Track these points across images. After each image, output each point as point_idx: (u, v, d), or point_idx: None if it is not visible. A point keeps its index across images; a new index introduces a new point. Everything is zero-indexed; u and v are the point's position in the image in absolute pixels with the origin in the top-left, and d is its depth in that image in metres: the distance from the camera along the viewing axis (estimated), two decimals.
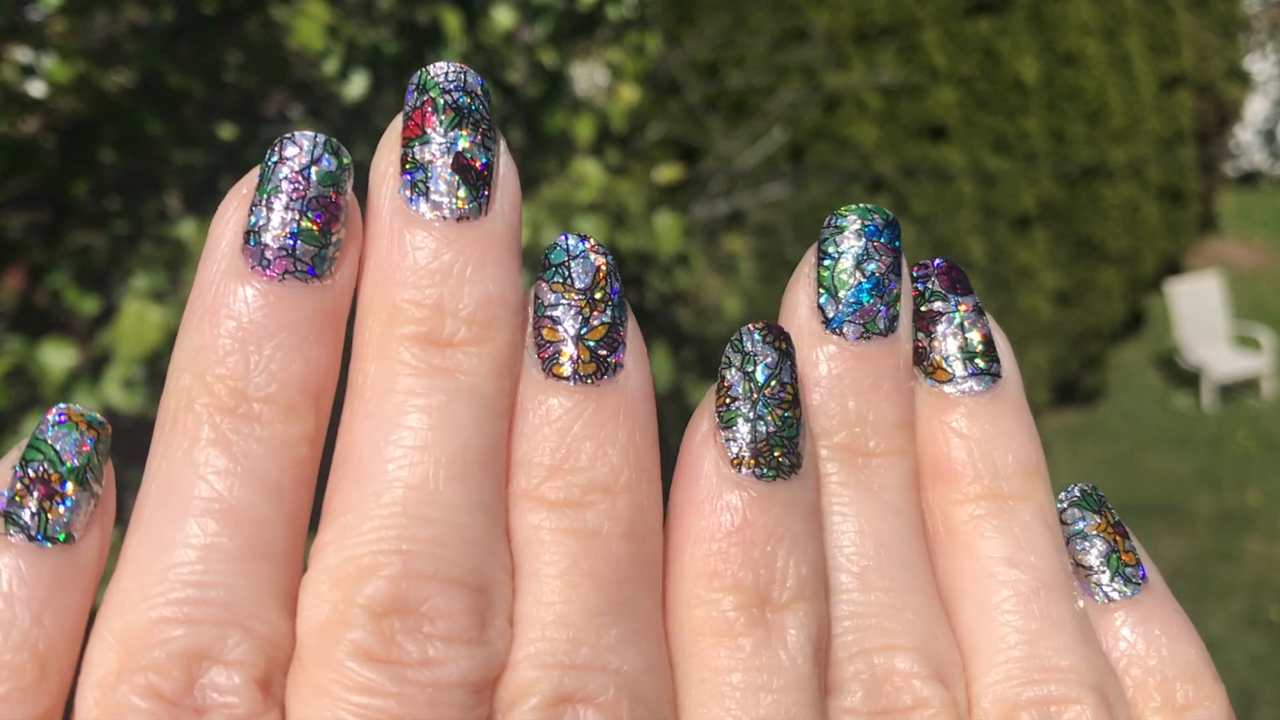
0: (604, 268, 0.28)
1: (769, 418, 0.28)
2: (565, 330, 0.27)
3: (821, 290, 0.29)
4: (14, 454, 0.26)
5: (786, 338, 0.29)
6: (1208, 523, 4.54)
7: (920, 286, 0.31)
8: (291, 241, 0.26)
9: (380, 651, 0.24)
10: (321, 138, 0.27)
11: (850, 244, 0.29)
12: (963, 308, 0.31)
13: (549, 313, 0.27)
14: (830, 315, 0.29)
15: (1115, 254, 5.89)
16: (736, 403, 0.28)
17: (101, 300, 1.30)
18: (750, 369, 0.28)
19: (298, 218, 0.26)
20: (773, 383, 0.28)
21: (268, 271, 0.26)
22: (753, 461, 0.27)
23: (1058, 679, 0.28)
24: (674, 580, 0.28)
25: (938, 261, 0.31)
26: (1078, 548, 0.31)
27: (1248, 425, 5.55)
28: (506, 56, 1.87)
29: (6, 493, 0.25)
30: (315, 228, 0.26)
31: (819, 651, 0.28)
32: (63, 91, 1.35)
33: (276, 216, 0.26)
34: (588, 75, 2.63)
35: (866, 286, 0.29)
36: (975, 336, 0.31)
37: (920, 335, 0.31)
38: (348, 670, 0.24)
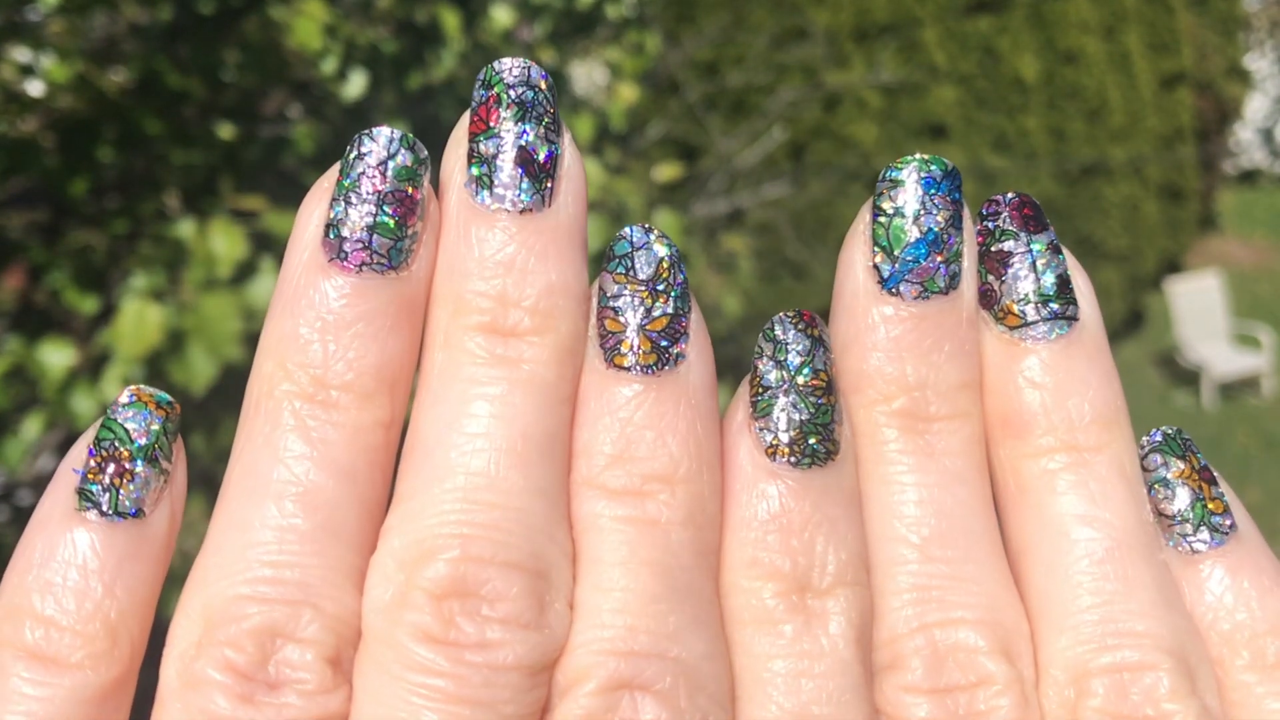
0: (667, 259, 0.28)
1: (802, 405, 0.28)
2: (627, 320, 0.27)
3: (877, 249, 0.28)
4: (89, 433, 0.27)
5: (818, 323, 0.29)
6: None
7: (990, 225, 0.29)
8: (368, 235, 0.27)
9: (439, 632, 0.25)
10: (398, 133, 0.27)
11: (906, 198, 0.28)
12: (1036, 246, 0.29)
13: (612, 303, 0.28)
14: (886, 275, 0.28)
15: (1115, 252, 5.89)
16: (769, 391, 0.28)
17: (101, 299, 1.30)
18: (782, 357, 0.28)
19: (374, 211, 0.27)
20: (805, 370, 0.28)
21: (346, 263, 0.26)
22: (787, 450, 0.27)
23: (1132, 644, 0.27)
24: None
25: (1010, 196, 0.29)
26: (1160, 496, 0.30)
27: (1248, 424, 5.55)
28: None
29: (81, 470, 0.27)
30: (391, 221, 0.27)
31: (862, 635, 0.27)
32: (61, 91, 1.35)
33: (354, 210, 0.27)
34: (587, 74, 2.63)
35: (924, 243, 0.28)
36: (1049, 277, 0.29)
37: (990, 278, 0.29)
38: (408, 650, 0.25)
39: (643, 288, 0.28)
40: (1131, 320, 6.56)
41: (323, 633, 0.25)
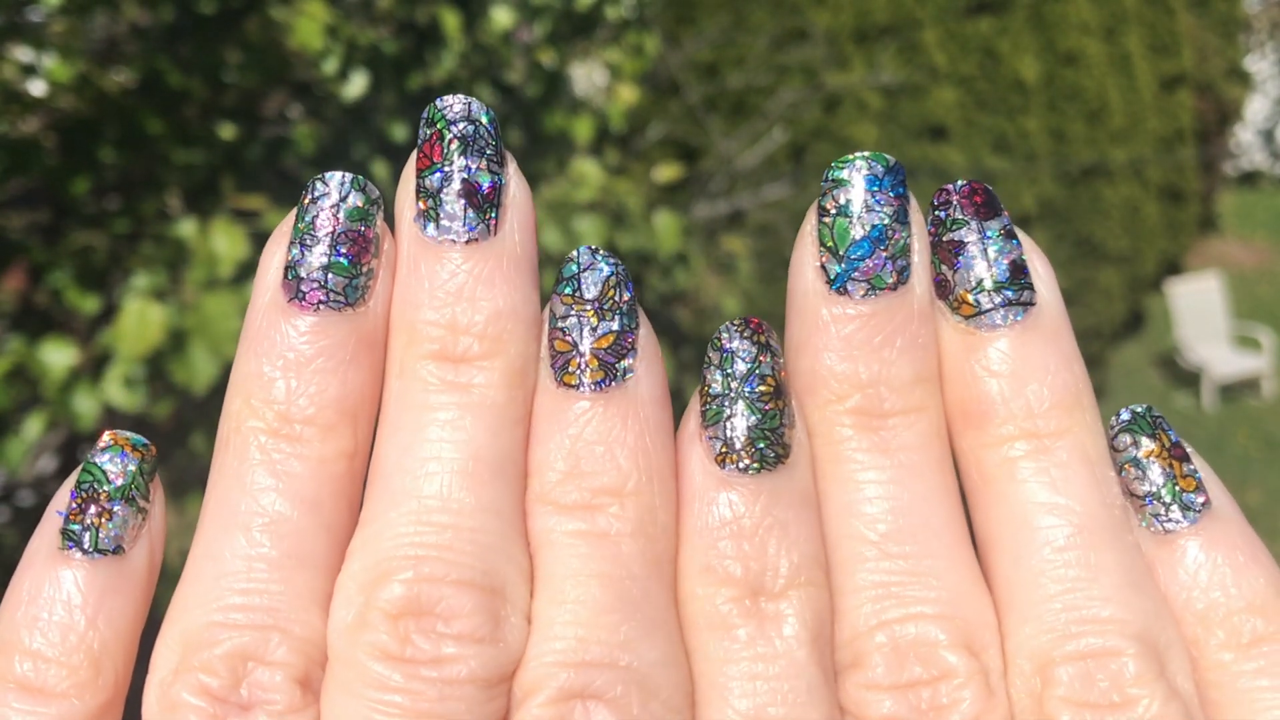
0: (613, 278, 0.29)
1: (749, 412, 0.28)
2: (575, 339, 0.28)
3: (823, 249, 0.29)
4: (71, 478, 0.29)
5: (765, 329, 0.29)
6: None
7: (941, 215, 0.29)
8: (324, 274, 0.28)
9: (396, 650, 0.26)
10: (349, 177, 0.29)
11: (848, 197, 0.28)
12: (989, 233, 0.29)
13: (560, 324, 0.29)
14: (833, 275, 0.28)
15: (1115, 254, 5.89)
16: (717, 400, 0.29)
17: (102, 299, 1.30)
18: (729, 366, 0.29)
19: (328, 252, 0.28)
20: (752, 377, 0.28)
21: (304, 303, 0.28)
22: (736, 456, 0.28)
23: (1096, 630, 0.27)
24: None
25: (960, 184, 0.29)
26: (1131, 476, 0.29)
27: (1248, 425, 5.55)
28: (505, 56, 1.87)
29: (63, 512, 0.28)
30: (345, 260, 0.28)
31: (819, 636, 0.28)
32: (63, 91, 1.35)
33: (310, 252, 0.28)
34: (586, 75, 2.63)
35: (869, 240, 0.28)
36: (1002, 264, 0.29)
37: (944, 268, 0.29)
38: (367, 668, 0.26)
39: (588, 307, 0.29)
40: (1132, 321, 6.56)
41: (291, 655, 0.27)
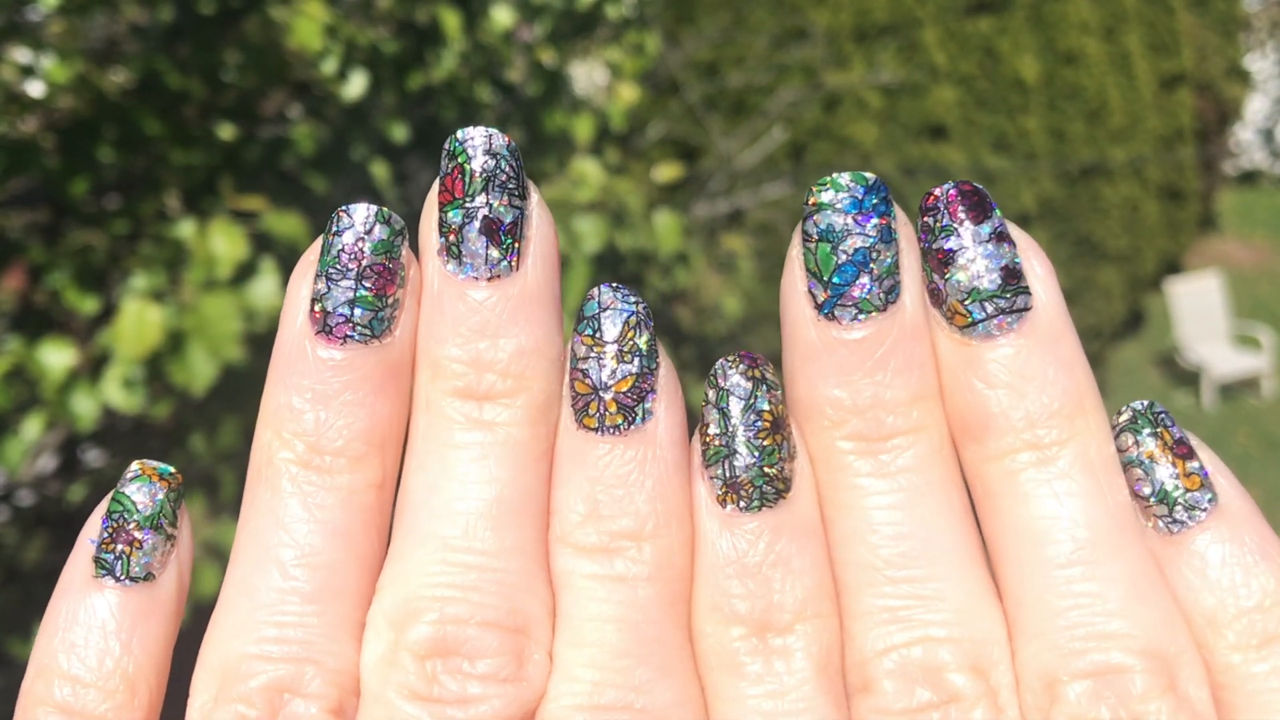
0: (633, 318, 0.29)
1: (748, 450, 0.28)
2: (594, 381, 0.29)
3: (809, 275, 0.28)
4: (102, 505, 0.30)
5: (760, 363, 0.29)
6: None
7: (930, 222, 0.29)
8: (349, 309, 0.28)
9: (423, 690, 0.27)
10: (374, 209, 0.29)
11: (830, 222, 0.28)
12: (980, 238, 0.28)
13: (580, 365, 0.29)
14: (820, 301, 0.28)
15: (1115, 253, 5.89)
16: (716, 439, 0.29)
17: (101, 300, 1.30)
18: (725, 404, 0.29)
19: (354, 286, 0.28)
20: (749, 415, 0.29)
21: (331, 336, 0.28)
22: (735, 496, 0.28)
23: (1103, 647, 0.27)
24: None
25: (950, 189, 0.28)
26: (1134, 477, 0.29)
27: (1248, 424, 5.55)
28: (506, 56, 1.87)
29: (95, 540, 0.29)
30: (370, 294, 0.28)
31: (829, 664, 0.28)
32: (62, 91, 1.35)
33: (336, 286, 0.28)
34: (587, 74, 2.63)
35: (853, 265, 0.28)
36: (994, 271, 0.28)
37: (935, 277, 0.28)
38: (396, 707, 0.27)
39: (608, 349, 0.29)
40: (1131, 321, 6.55)
41: (325, 686, 0.28)
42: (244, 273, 1.23)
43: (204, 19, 1.47)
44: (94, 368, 1.23)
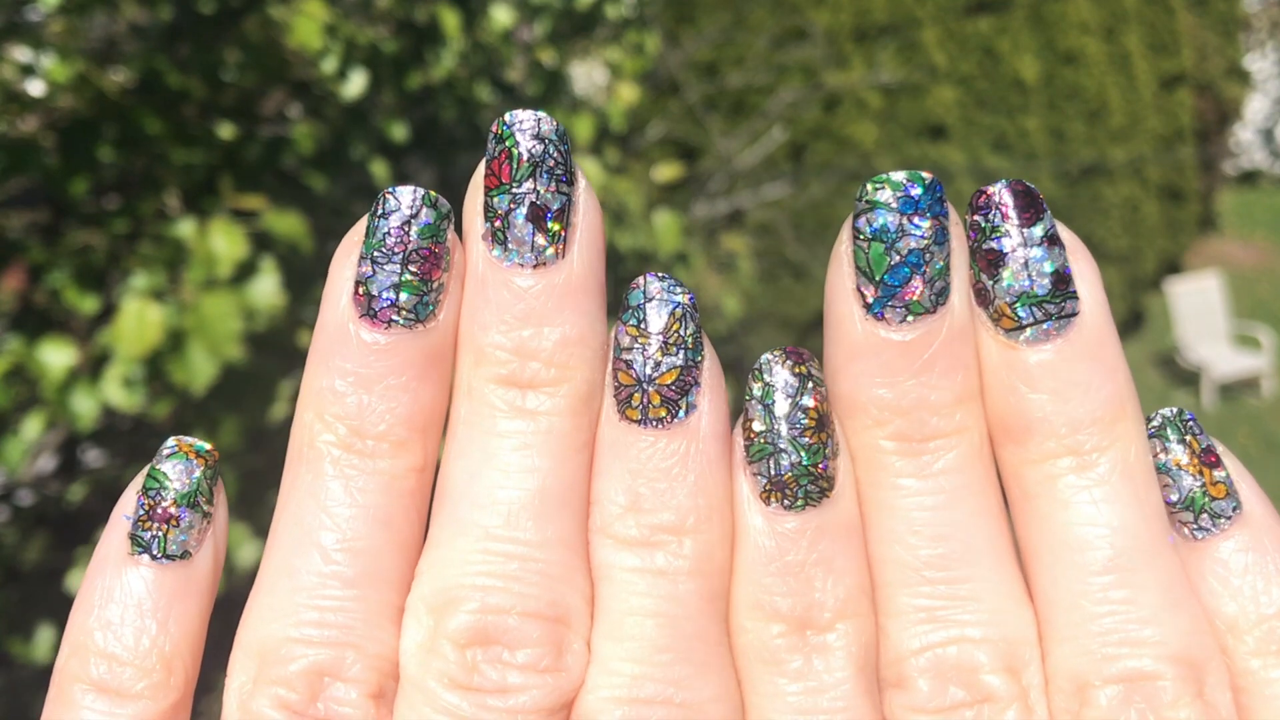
0: (679, 310, 0.28)
1: (793, 449, 0.28)
2: (638, 373, 0.28)
3: (859, 273, 0.28)
4: (137, 481, 0.30)
5: (805, 359, 0.29)
6: None
7: (980, 220, 0.28)
8: (394, 293, 0.28)
9: (463, 679, 0.27)
10: (420, 192, 0.28)
11: (884, 221, 0.27)
12: (1031, 241, 0.28)
13: (624, 356, 0.29)
14: (870, 300, 0.28)
15: (1115, 253, 5.89)
16: (760, 436, 0.28)
17: (101, 299, 1.30)
18: (770, 400, 0.28)
19: (399, 270, 0.28)
20: (795, 412, 0.28)
21: (375, 320, 0.28)
22: (780, 494, 0.28)
23: (1134, 653, 0.27)
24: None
25: (1003, 188, 0.28)
26: (1162, 483, 0.29)
27: (1248, 424, 5.55)
28: (505, 55, 1.87)
29: (132, 517, 0.29)
30: (416, 279, 0.28)
31: (866, 662, 0.28)
32: (62, 91, 1.35)
33: (381, 270, 0.28)
34: (587, 74, 2.63)
35: (905, 266, 0.27)
36: (1045, 275, 0.27)
37: (983, 277, 0.28)
38: (436, 695, 0.27)
39: (653, 341, 0.28)
40: (1131, 321, 6.56)
41: (366, 671, 0.28)
42: (244, 272, 1.23)
43: (204, 18, 1.47)
44: (94, 367, 1.23)
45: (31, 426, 1.25)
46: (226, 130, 1.43)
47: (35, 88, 1.40)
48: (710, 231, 3.42)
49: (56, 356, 1.19)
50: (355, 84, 1.50)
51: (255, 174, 1.44)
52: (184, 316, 1.18)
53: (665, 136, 4.18)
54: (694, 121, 4.27)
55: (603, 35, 2.19)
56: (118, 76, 1.44)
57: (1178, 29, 6.00)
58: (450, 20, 1.64)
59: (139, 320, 1.15)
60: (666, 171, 2.60)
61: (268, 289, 1.23)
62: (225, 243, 1.20)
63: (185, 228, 1.23)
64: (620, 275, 1.80)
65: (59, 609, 1.42)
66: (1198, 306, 5.93)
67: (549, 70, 1.92)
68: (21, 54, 1.39)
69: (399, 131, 1.63)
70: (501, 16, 1.80)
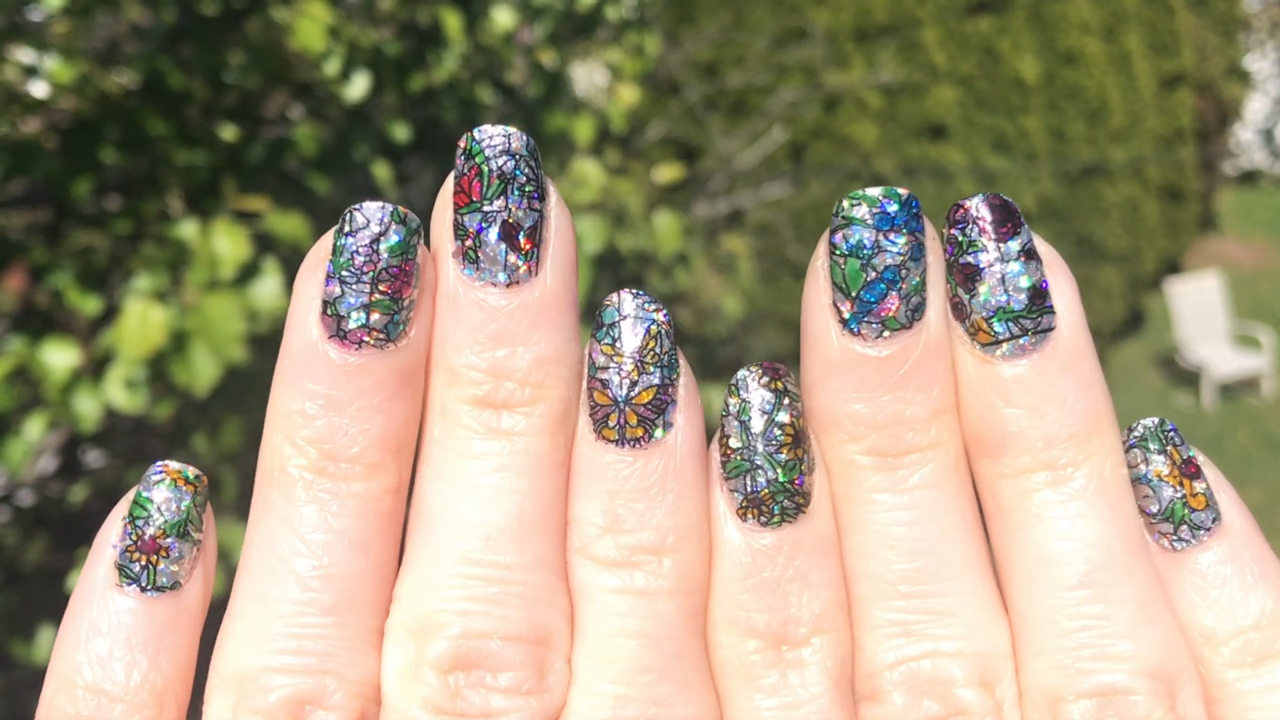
0: (654, 328, 0.28)
1: (768, 465, 0.28)
2: (614, 393, 0.28)
3: (835, 288, 0.28)
4: (122, 507, 0.29)
5: (782, 374, 0.29)
6: None
7: (957, 234, 0.28)
8: (365, 314, 0.27)
9: (447, 704, 0.27)
10: (388, 208, 0.28)
11: (860, 237, 0.27)
12: (1008, 255, 0.27)
13: (599, 375, 0.28)
14: (846, 316, 0.28)
15: (1115, 253, 5.89)
16: (736, 453, 0.28)
17: (103, 300, 1.30)
18: (746, 417, 0.28)
19: (369, 290, 0.27)
20: (770, 429, 0.28)
21: (346, 341, 0.27)
22: (756, 511, 0.28)
23: (1109, 668, 0.27)
24: None
25: (980, 202, 0.28)
26: (1141, 495, 0.29)
27: (1248, 424, 5.55)
28: (506, 57, 1.87)
29: (118, 546, 0.28)
30: (386, 298, 0.27)
31: (841, 676, 0.28)
32: (64, 92, 1.35)
33: (350, 289, 0.27)
34: (587, 75, 2.63)
35: (881, 282, 0.27)
36: (1021, 291, 0.27)
37: (960, 291, 0.28)
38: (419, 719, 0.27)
39: (628, 360, 0.28)
40: (1131, 321, 6.56)
41: (347, 698, 0.27)
42: (246, 273, 1.23)
43: (206, 20, 1.47)
44: (96, 368, 1.24)
45: (33, 427, 1.25)
46: (229, 131, 1.43)
47: (38, 89, 1.40)
48: (710, 232, 3.42)
49: (59, 357, 1.19)
50: (358, 86, 1.50)
51: (258, 175, 1.44)
52: (186, 318, 1.18)
53: (665, 137, 4.18)
54: (694, 122, 4.27)
55: (603, 36, 2.19)
56: (120, 78, 1.45)
57: (1178, 29, 6.00)
58: (452, 22, 1.64)
59: (141, 321, 1.16)
60: (667, 172, 2.61)
61: (270, 290, 1.23)
62: (228, 244, 1.20)
63: (188, 229, 1.23)
64: (621, 276, 1.80)
65: (60, 610, 1.42)
66: (1198, 306, 5.93)
67: (550, 72, 1.93)
68: (24, 55, 1.39)
69: (401, 133, 1.63)
70: (503, 18, 1.80)
